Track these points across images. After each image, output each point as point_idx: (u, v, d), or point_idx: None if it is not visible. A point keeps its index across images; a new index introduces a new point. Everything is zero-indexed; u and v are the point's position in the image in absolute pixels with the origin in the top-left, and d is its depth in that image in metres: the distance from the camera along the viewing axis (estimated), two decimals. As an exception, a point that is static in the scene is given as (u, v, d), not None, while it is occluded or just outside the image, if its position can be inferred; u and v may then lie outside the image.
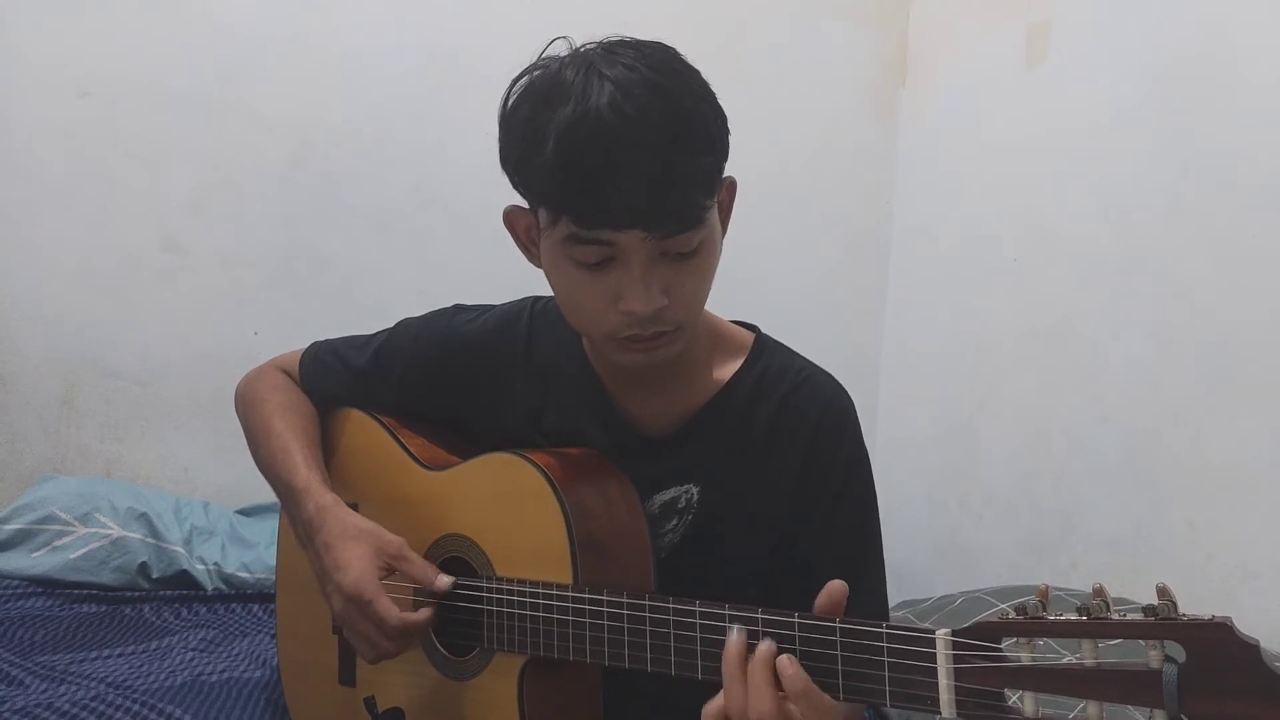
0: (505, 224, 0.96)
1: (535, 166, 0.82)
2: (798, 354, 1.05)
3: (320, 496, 0.99)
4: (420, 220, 2.26)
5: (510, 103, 0.87)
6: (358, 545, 0.93)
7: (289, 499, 1.03)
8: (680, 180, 0.81)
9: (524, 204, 0.92)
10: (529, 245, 0.95)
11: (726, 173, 0.90)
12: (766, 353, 1.04)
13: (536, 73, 0.86)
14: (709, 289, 0.92)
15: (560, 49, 0.87)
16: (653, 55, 0.84)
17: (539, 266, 0.94)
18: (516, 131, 0.85)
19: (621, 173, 0.79)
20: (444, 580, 0.93)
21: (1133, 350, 1.87)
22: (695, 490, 0.99)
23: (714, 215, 0.89)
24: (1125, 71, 1.93)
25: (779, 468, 0.98)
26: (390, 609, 0.90)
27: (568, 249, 0.85)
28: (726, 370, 1.02)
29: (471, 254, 2.28)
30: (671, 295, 0.86)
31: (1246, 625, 0.58)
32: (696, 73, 0.87)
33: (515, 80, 0.88)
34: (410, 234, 2.26)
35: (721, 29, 2.48)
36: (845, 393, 1.03)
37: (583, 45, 0.86)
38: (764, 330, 1.08)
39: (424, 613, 0.92)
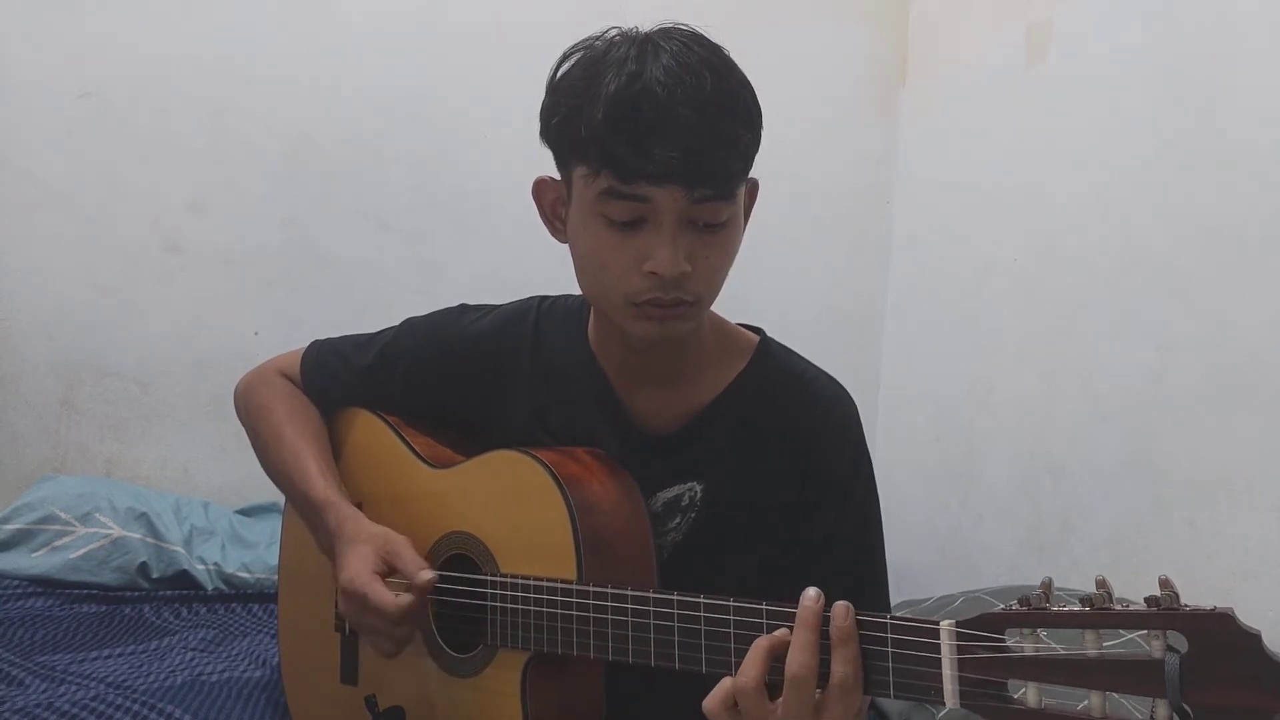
0: (533, 195, 0.97)
1: (584, 118, 0.84)
2: (802, 357, 1.06)
3: (341, 509, 1.00)
4: (420, 220, 2.27)
5: (560, 71, 0.90)
6: (363, 546, 0.95)
7: (308, 510, 1.04)
8: (721, 143, 0.84)
9: (554, 176, 0.93)
10: (553, 219, 0.96)
11: None
12: (771, 354, 1.05)
13: (585, 50, 0.89)
14: (727, 273, 0.93)
15: (612, 34, 0.90)
16: (705, 41, 0.89)
17: (561, 240, 0.96)
18: (565, 92, 0.88)
19: (667, 128, 0.82)
20: (424, 576, 0.91)
21: (1133, 350, 1.86)
22: (699, 488, 0.99)
23: (740, 201, 0.91)
24: (1125, 71, 1.93)
25: (782, 467, 0.99)
26: (384, 595, 0.90)
27: (602, 205, 0.86)
28: (731, 370, 1.02)
29: (471, 254, 2.28)
30: (695, 264, 0.87)
31: (1247, 625, 0.58)
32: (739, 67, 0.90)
33: (565, 54, 0.91)
34: (410, 234, 2.26)
35: (720, 28, 2.47)
36: (848, 395, 1.04)
37: (633, 28, 0.90)
38: (764, 329, 1.08)
39: (404, 597, 0.90)
